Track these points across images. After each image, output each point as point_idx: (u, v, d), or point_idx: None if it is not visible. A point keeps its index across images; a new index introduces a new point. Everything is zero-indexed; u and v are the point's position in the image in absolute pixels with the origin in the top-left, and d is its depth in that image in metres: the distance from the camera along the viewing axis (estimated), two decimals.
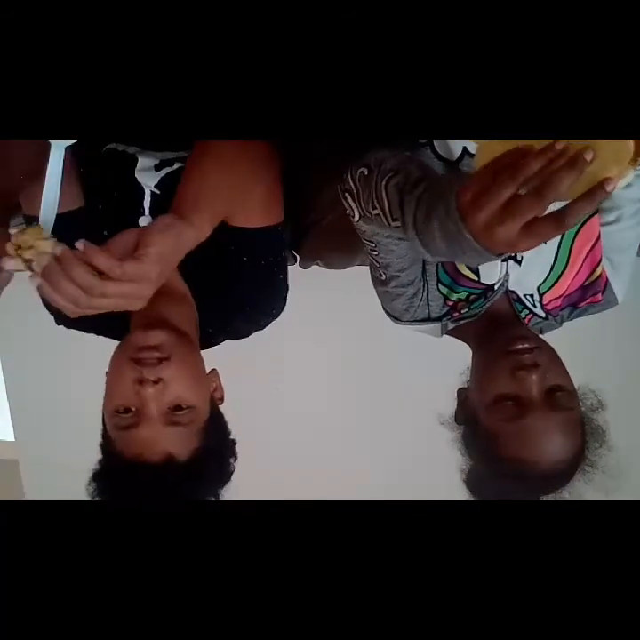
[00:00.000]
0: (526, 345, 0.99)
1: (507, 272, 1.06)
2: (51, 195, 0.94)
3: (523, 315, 1.10)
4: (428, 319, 1.12)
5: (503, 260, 1.04)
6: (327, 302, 1.87)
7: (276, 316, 1.10)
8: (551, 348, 1.04)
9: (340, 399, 2.11)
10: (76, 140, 0.90)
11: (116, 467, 0.95)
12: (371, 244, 0.99)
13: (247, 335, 1.13)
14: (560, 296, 1.11)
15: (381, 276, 1.05)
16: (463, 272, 1.07)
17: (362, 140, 0.99)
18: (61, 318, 1.09)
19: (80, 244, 0.75)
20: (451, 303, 1.10)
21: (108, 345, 1.11)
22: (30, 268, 0.83)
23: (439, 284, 1.08)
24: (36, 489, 2.30)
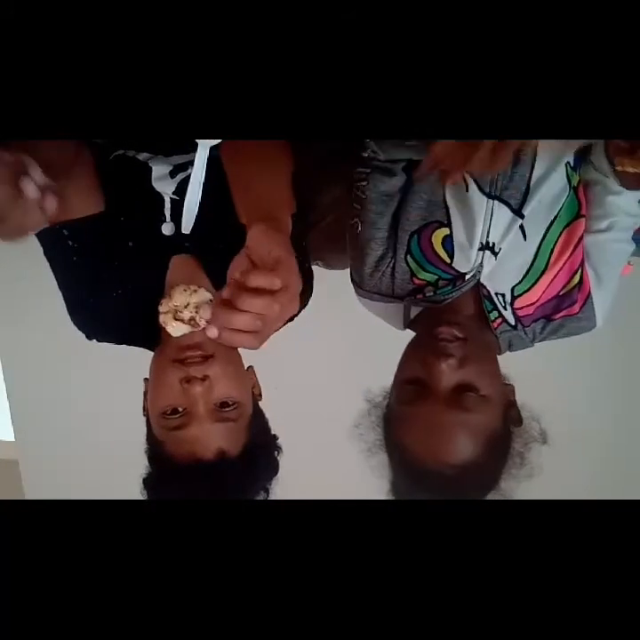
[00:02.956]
0: (453, 332, 0.94)
1: (481, 263, 1.02)
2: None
3: (492, 317, 1.05)
4: (392, 295, 1.09)
5: (480, 250, 1.01)
6: (326, 302, 1.87)
7: (306, 305, 1.09)
8: (483, 346, 0.99)
9: (339, 399, 2.11)
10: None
11: (168, 469, 0.94)
12: (365, 171, 1.01)
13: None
14: (534, 303, 1.05)
15: (357, 227, 1.05)
16: (436, 249, 1.03)
17: (362, 141, 1.00)
18: (92, 333, 1.09)
19: (236, 274, 0.75)
20: (417, 282, 1.07)
21: (109, 346, 1.12)
22: (195, 324, 0.82)
23: (408, 256, 1.05)
24: (35, 489, 2.30)
